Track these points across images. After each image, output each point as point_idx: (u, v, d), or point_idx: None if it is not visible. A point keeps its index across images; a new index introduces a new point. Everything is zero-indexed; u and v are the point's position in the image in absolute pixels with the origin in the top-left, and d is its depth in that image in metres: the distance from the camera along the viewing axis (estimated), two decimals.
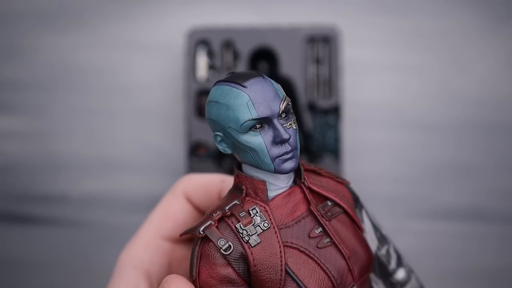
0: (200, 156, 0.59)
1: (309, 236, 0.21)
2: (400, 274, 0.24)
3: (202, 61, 0.59)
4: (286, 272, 0.20)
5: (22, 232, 0.67)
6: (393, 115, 0.65)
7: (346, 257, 0.21)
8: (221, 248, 0.21)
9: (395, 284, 0.24)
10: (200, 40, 0.58)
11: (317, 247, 0.21)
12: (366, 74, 0.65)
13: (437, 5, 0.66)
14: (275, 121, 0.22)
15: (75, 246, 0.67)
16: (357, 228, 0.23)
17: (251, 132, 0.22)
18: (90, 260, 0.67)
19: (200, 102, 0.59)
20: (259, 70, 0.61)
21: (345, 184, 0.25)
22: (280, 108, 0.23)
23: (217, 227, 0.21)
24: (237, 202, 0.22)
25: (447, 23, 0.65)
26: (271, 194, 0.22)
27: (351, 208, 0.23)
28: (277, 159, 0.21)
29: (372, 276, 0.23)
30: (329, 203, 0.23)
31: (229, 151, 0.23)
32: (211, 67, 0.59)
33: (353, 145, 0.64)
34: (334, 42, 0.59)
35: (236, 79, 0.23)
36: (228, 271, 0.21)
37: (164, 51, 0.65)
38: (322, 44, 0.59)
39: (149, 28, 0.65)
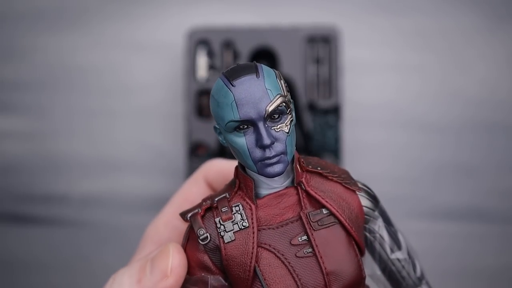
0: (200, 156, 0.59)
1: (290, 243, 0.20)
2: None
3: (202, 61, 0.59)
4: (255, 273, 0.20)
5: (22, 232, 0.67)
6: (393, 115, 0.65)
7: (324, 272, 0.19)
8: (199, 237, 0.21)
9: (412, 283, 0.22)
10: (200, 40, 0.58)
11: (295, 255, 0.20)
12: (366, 74, 0.65)
13: (437, 5, 0.66)
14: (260, 124, 0.21)
15: (75, 246, 0.67)
16: (354, 243, 0.21)
17: (235, 132, 0.21)
18: (90, 260, 0.67)
19: (200, 102, 0.59)
20: None
21: (356, 191, 0.22)
22: (266, 111, 0.21)
23: (202, 216, 0.22)
24: (227, 196, 0.22)
25: (447, 23, 0.65)
26: (264, 192, 0.22)
27: (352, 221, 0.21)
28: (259, 162, 0.21)
29: None
30: (324, 211, 0.21)
31: (226, 144, 0.23)
32: (211, 67, 0.59)
33: (353, 145, 0.64)
34: (334, 42, 0.59)
35: (230, 75, 0.22)
36: (204, 259, 0.21)
37: (164, 51, 0.65)
38: (322, 44, 0.59)
39: (149, 28, 0.65)
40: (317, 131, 0.59)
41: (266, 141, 0.20)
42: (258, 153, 0.21)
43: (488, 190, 0.65)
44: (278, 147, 0.21)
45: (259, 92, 0.21)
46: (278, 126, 0.21)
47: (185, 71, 0.59)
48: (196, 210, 0.22)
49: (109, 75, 0.66)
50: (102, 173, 0.66)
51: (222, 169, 0.29)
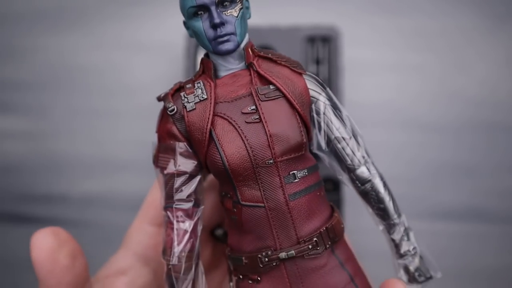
0: None
1: (241, 112, 0.23)
2: (364, 172, 0.26)
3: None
4: (210, 135, 0.24)
5: (23, 232, 0.67)
6: (392, 115, 0.65)
7: (268, 134, 0.23)
8: (168, 109, 0.27)
9: (355, 180, 0.26)
10: None
11: (245, 121, 0.23)
12: (366, 74, 0.65)
13: (437, 5, 0.66)
14: (212, 8, 0.24)
15: None
16: (297, 114, 0.24)
17: (194, 18, 0.25)
18: (91, 260, 0.67)
19: None
20: None
21: (301, 73, 0.25)
22: None
23: (172, 95, 0.27)
24: (192, 78, 0.26)
25: (447, 23, 0.65)
26: (222, 74, 0.25)
27: (296, 96, 0.24)
28: (213, 41, 0.25)
29: (337, 167, 0.25)
30: (271, 87, 0.24)
31: (192, 36, 0.26)
32: None
33: None
34: (334, 42, 0.59)
35: None
36: (172, 128, 0.26)
37: (164, 51, 0.65)
38: (322, 44, 0.59)
39: (150, 28, 0.66)
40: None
41: (216, 20, 0.24)
42: (211, 33, 0.25)
43: (487, 190, 0.65)
44: (227, 28, 0.25)
45: None
46: (228, 11, 0.25)
47: (185, 71, 0.59)
48: (168, 91, 0.27)
49: (110, 75, 0.66)
50: (103, 173, 0.66)
51: None
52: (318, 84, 0.26)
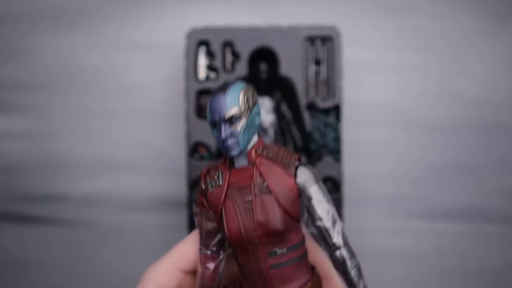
0: (201, 156, 0.59)
1: (242, 200, 0.30)
2: (337, 256, 0.30)
3: (202, 61, 0.59)
4: (221, 212, 0.31)
5: (22, 232, 0.67)
6: (393, 115, 0.65)
7: (255, 221, 0.30)
8: (200, 186, 0.33)
9: (331, 246, 0.30)
10: (200, 40, 0.58)
11: (244, 208, 0.30)
12: (366, 74, 0.65)
13: (437, 5, 0.66)
14: (221, 125, 0.31)
15: (74, 246, 0.67)
16: (281, 210, 0.30)
17: (213, 128, 0.32)
18: (90, 260, 0.67)
19: (200, 102, 0.59)
20: (259, 70, 0.61)
21: (290, 172, 0.31)
22: (224, 116, 0.31)
23: (204, 174, 0.33)
24: (217, 165, 0.33)
25: (447, 23, 0.65)
26: (236, 165, 0.32)
27: (282, 194, 0.30)
28: (222, 147, 0.32)
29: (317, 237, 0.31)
30: (265, 184, 0.30)
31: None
32: (211, 67, 0.59)
33: (353, 146, 0.64)
34: (334, 42, 0.58)
35: (213, 91, 0.32)
36: (202, 199, 0.33)
37: (164, 51, 0.65)
38: (322, 44, 0.59)
39: (149, 28, 0.66)
40: (317, 132, 0.59)
41: (222, 135, 0.31)
42: (221, 142, 0.31)
43: (489, 190, 0.65)
44: (232, 140, 0.31)
45: (222, 104, 0.31)
46: (233, 127, 0.31)
47: (184, 71, 0.59)
48: (201, 171, 0.33)
49: (109, 76, 0.66)
50: (101, 173, 0.66)
51: None
52: (311, 178, 0.31)
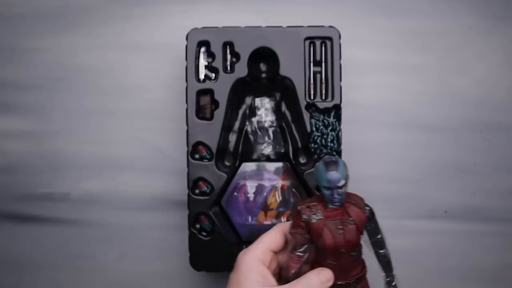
0: (201, 156, 0.59)
1: (335, 227, 0.45)
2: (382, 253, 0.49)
3: (202, 61, 0.59)
4: (321, 234, 0.45)
5: (23, 231, 0.67)
6: (392, 115, 0.66)
7: (344, 239, 0.45)
8: (302, 216, 0.45)
9: (385, 248, 0.48)
10: (200, 41, 0.59)
11: (337, 232, 0.45)
12: (365, 75, 0.65)
13: (435, 6, 0.66)
14: (334, 190, 0.45)
15: (75, 246, 0.67)
16: (359, 233, 0.46)
17: (328, 189, 0.45)
18: (92, 259, 0.67)
19: (200, 102, 0.59)
20: (259, 70, 0.61)
21: (364, 212, 0.46)
22: (337, 186, 0.45)
23: (305, 209, 0.45)
24: (315, 203, 0.46)
25: (446, 23, 0.66)
26: (331, 206, 0.45)
27: (360, 223, 0.46)
28: (331, 201, 0.45)
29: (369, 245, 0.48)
30: (350, 219, 0.45)
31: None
32: (211, 67, 0.59)
33: (352, 145, 0.64)
34: (334, 43, 0.59)
35: (326, 166, 0.45)
36: (301, 223, 0.45)
37: (164, 52, 0.65)
38: (322, 44, 0.59)
39: (150, 29, 0.66)
40: (316, 132, 0.60)
41: (337, 198, 0.45)
42: (333, 199, 0.45)
43: (488, 190, 0.65)
44: (339, 198, 0.45)
45: (336, 178, 0.45)
46: (341, 191, 0.45)
47: (185, 72, 0.59)
48: (302, 206, 0.46)
49: (109, 76, 0.66)
50: (102, 173, 0.66)
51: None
52: (371, 213, 0.47)
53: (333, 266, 0.45)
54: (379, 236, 0.47)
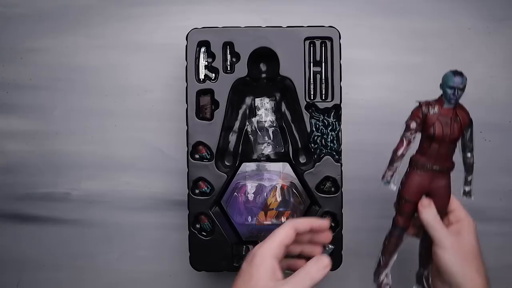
0: (201, 156, 0.59)
1: (445, 122, 0.52)
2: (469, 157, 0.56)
3: (202, 61, 0.59)
4: (433, 124, 0.52)
5: (23, 231, 0.67)
6: (391, 115, 0.65)
7: (450, 131, 0.52)
8: (423, 110, 0.53)
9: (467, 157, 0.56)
10: (201, 41, 0.59)
11: (445, 126, 0.52)
12: (365, 75, 0.65)
13: (434, 6, 0.66)
14: (456, 89, 0.53)
15: (76, 245, 0.67)
16: (461, 130, 0.53)
17: (451, 90, 0.53)
18: (92, 258, 0.67)
19: (200, 102, 0.59)
20: (259, 70, 0.61)
21: (468, 117, 0.54)
22: (459, 86, 0.53)
23: (425, 105, 0.53)
24: (434, 102, 0.53)
25: (445, 24, 0.66)
26: (446, 106, 0.53)
27: (464, 124, 0.53)
28: (450, 100, 0.53)
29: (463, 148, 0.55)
30: (458, 118, 0.53)
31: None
32: (209, 67, 0.59)
33: (352, 145, 0.64)
34: (334, 43, 0.59)
35: (455, 72, 0.53)
36: (419, 114, 0.53)
37: (164, 52, 0.65)
38: (322, 44, 0.59)
39: (150, 29, 0.66)
40: (316, 132, 0.60)
41: (453, 98, 0.52)
42: (449, 98, 0.52)
43: (488, 190, 0.65)
44: (456, 98, 0.52)
45: (460, 80, 0.52)
46: (459, 92, 0.52)
47: (185, 72, 0.59)
48: (423, 102, 0.53)
49: (110, 76, 0.66)
50: (102, 173, 0.66)
51: (302, 223, 0.50)
52: (471, 121, 0.54)
53: (435, 152, 0.53)
54: (470, 142, 0.55)
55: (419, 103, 0.54)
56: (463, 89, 0.52)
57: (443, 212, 0.55)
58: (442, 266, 0.50)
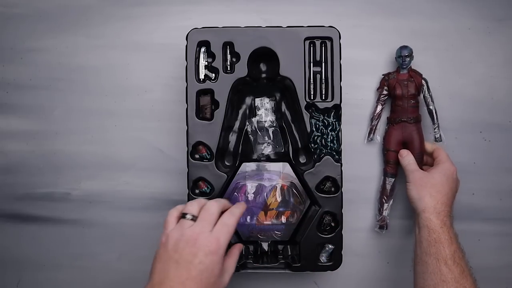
0: (201, 156, 0.59)
1: (402, 84, 0.64)
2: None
3: (202, 61, 0.59)
4: (394, 86, 0.64)
5: (24, 231, 0.67)
6: None
7: (407, 90, 0.64)
8: (386, 76, 0.65)
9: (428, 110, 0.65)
10: (201, 41, 0.59)
11: (403, 86, 0.64)
12: (365, 75, 0.65)
13: (435, 7, 0.66)
14: (403, 57, 0.64)
15: (76, 245, 0.67)
16: (417, 88, 0.64)
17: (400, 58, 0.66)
18: (92, 258, 0.67)
19: (200, 102, 0.59)
20: (259, 70, 0.61)
21: (421, 77, 0.64)
22: (404, 55, 0.64)
23: (387, 74, 0.65)
24: (393, 71, 0.65)
25: (446, 24, 0.66)
26: (401, 72, 0.64)
27: (418, 84, 0.64)
28: (402, 66, 0.64)
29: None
30: (411, 79, 0.64)
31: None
32: (209, 67, 0.59)
33: (352, 145, 0.64)
34: (334, 43, 0.59)
35: (401, 46, 0.65)
36: (384, 83, 0.65)
37: (164, 52, 0.65)
38: (322, 44, 0.59)
39: (150, 29, 0.66)
40: (316, 131, 0.60)
41: (404, 64, 0.64)
42: (401, 64, 0.64)
43: (488, 190, 0.65)
44: (406, 64, 0.64)
45: (405, 51, 0.64)
46: (407, 60, 0.64)
47: (185, 72, 0.59)
48: (384, 73, 0.65)
49: (110, 76, 0.66)
50: (102, 173, 0.66)
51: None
52: (425, 81, 0.64)
53: (400, 108, 0.63)
54: (427, 95, 0.63)
55: (383, 74, 0.65)
56: (409, 56, 0.63)
57: (420, 154, 0.63)
58: (407, 194, 0.60)
